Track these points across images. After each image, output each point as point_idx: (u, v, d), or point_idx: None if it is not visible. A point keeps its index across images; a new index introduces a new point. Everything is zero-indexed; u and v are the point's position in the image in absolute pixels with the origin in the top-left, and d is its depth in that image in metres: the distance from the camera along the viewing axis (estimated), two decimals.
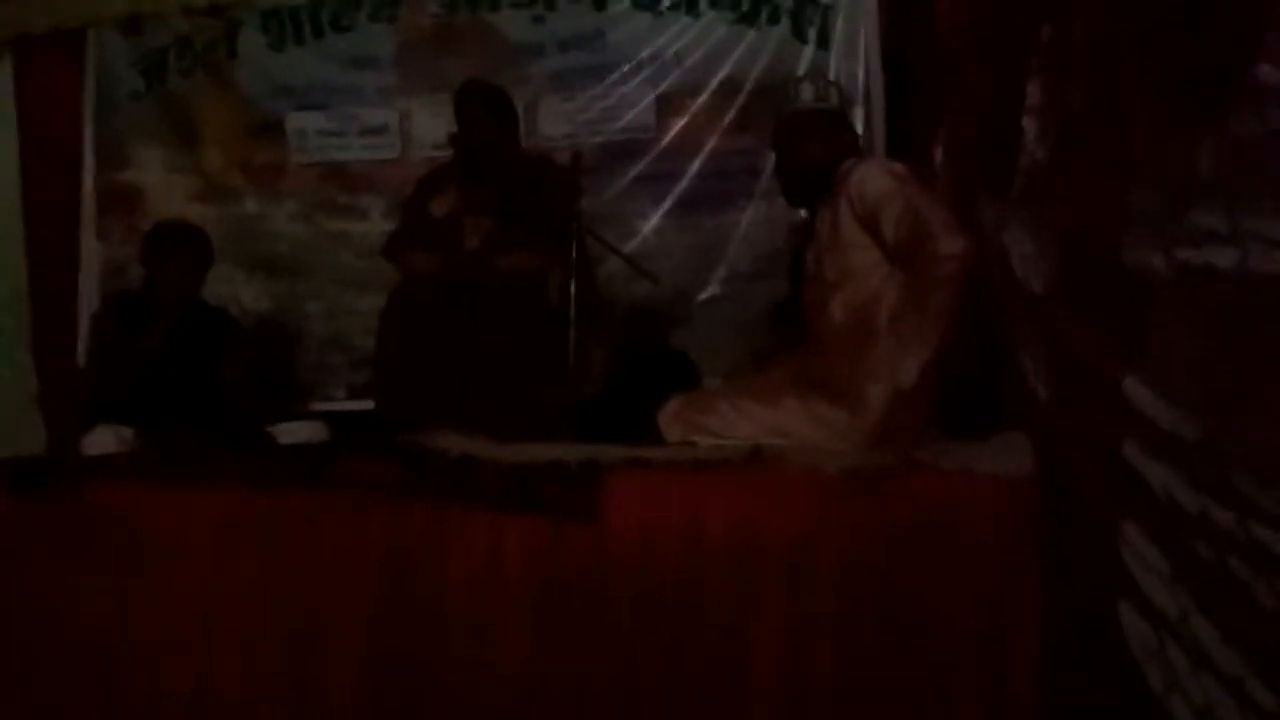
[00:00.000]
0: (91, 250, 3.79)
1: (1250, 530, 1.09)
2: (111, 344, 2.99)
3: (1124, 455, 1.40)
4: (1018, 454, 1.85)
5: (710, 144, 3.46)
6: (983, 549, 1.79)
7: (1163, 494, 1.28)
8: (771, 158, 2.60)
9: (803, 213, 2.60)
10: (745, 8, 3.44)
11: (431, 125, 3.58)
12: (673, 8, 3.49)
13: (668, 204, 3.49)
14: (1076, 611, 1.63)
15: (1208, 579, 1.18)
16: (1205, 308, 1.21)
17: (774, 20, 3.42)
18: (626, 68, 3.51)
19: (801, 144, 2.38)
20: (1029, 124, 1.99)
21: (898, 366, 2.07)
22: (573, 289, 2.75)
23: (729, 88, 3.44)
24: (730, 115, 3.44)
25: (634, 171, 3.51)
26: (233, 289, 3.67)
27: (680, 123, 3.49)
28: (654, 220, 3.50)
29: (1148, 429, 1.32)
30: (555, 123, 3.56)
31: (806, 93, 2.41)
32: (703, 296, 3.45)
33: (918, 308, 2.08)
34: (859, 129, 2.94)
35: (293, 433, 2.67)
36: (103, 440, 2.68)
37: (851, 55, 3.35)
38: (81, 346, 3.54)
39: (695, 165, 3.47)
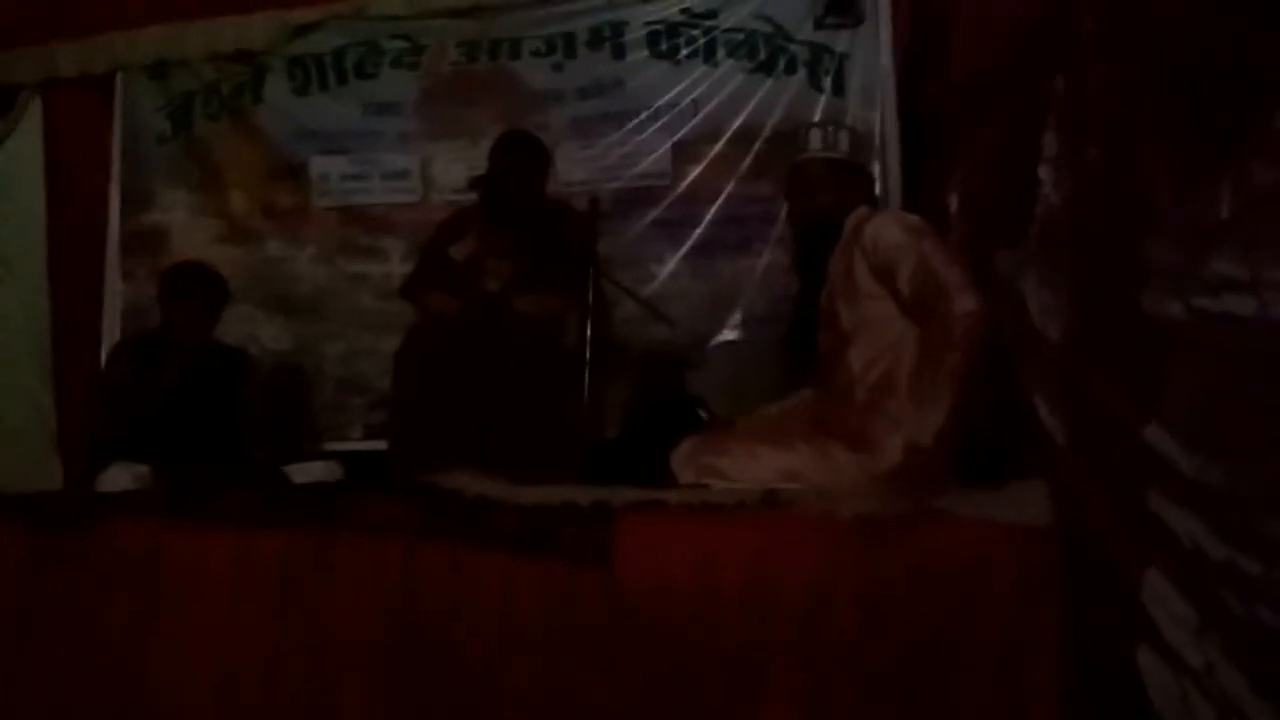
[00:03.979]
0: (115, 291, 3.84)
1: (1278, 578, 1.08)
2: (124, 382, 3.02)
3: (1147, 504, 1.39)
4: (1035, 503, 1.83)
5: (726, 190, 3.49)
6: (999, 598, 1.77)
7: (1188, 543, 1.26)
8: (786, 206, 2.61)
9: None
10: (762, 57, 3.48)
11: (452, 170, 3.64)
12: (690, 56, 3.54)
13: (684, 249, 3.51)
14: (1095, 661, 1.61)
15: (1235, 628, 1.16)
16: (1226, 356, 1.20)
17: (790, 69, 3.46)
18: (644, 115, 3.56)
19: (809, 194, 2.40)
20: (1044, 172, 2.00)
21: (916, 424, 2.08)
22: (589, 332, 2.77)
23: (745, 135, 3.47)
24: (746, 162, 3.47)
25: (651, 217, 3.54)
26: (253, 329, 3.71)
27: (697, 169, 3.52)
28: (670, 265, 3.52)
29: (1172, 477, 1.30)
30: (574, 169, 3.60)
31: (815, 140, 2.42)
32: (718, 340, 3.46)
33: (933, 367, 2.09)
34: (874, 175, 2.96)
35: (307, 472, 2.67)
36: (118, 478, 2.69)
37: (867, 103, 3.38)
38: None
39: (711, 211, 3.50)
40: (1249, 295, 1.13)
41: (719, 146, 3.50)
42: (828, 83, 3.43)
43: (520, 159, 3.01)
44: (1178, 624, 1.30)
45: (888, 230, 2.23)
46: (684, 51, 3.54)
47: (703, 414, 2.99)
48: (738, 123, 3.48)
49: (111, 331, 3.80)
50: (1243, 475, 1.16)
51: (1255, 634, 1.12)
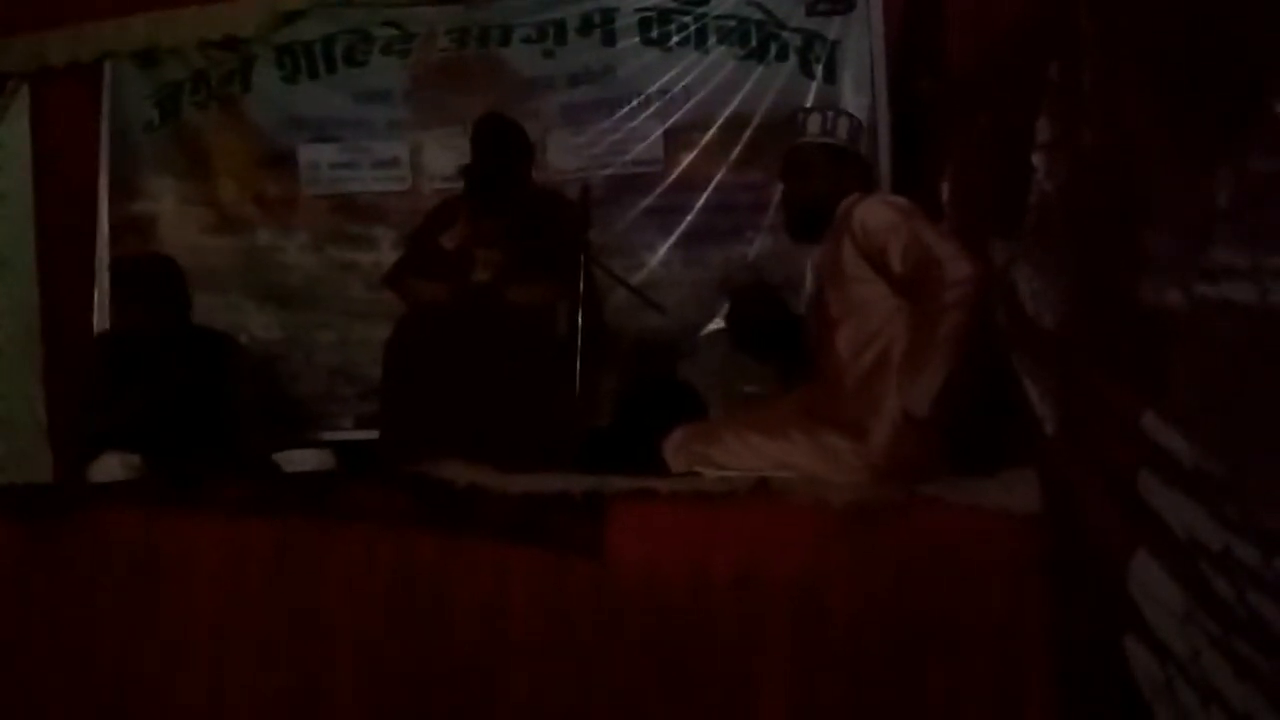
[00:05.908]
0: (105, 281, 3.81)
1: (1276, 566, 1.08)
2: (112, 373, 3.01)
3: (1139, 492, 1.38)
4: (1025, 490, 1.83)
5: (718, 177, 3.49)
6: (990, 585, 1.78)
7: (1181, 531, 1.26)
8: (779, 191, 2.60)
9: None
10: (753, 43, 3.48)
11: (442, 158, 3.63)
12: (681, 43, 3.53)
13: (675, 236, 3.52)
14: (1085, 648, 1.62)
15: (1225, 615, 1.16)
16: (1226, 344, 1.20)
17: (782, 56, 3.46)
18: (635, 102, 3.55)
19: (805, 179, 2.39)
20: (1039, 160, 2.00)
21: (910, 394, 2.07)
22: (580, 320, 2.76)
23: (737, 122, 3.47)
24: (738, 149, 3.47)
25: (642, 204, 3.53)
26: (243, 319, 3.70)
27: (688, 156, 3.52)
28: (661, 252, 3.52)
29: (1168, 465, 1.30)
30: (564, 156, 3.59)
31: (814, 125, 2.41)
32: (710, 328, 3.46)
33: (928, 335, 2.08)
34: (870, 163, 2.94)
35: (298, 461, 2.67)
36: (109, 468, 2.68)
37: (859, 91, 3.38)
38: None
39: (703, 198, 3.50)
40: (1249, 283, 1.13)
41: (710, 134, 3.49)
42: (819, 70, 3.42)
43: (494, 143, 2.99)
44: (1165, 611, 1.31)
45: (876, 212, 2.22)
46: (675, 38, 3.53)
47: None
48: (729, 110, 3.48)
49: (101, 321, 3.77)
50: (1243, 463, 1.15)
51: (1246, 622, 1.13)
